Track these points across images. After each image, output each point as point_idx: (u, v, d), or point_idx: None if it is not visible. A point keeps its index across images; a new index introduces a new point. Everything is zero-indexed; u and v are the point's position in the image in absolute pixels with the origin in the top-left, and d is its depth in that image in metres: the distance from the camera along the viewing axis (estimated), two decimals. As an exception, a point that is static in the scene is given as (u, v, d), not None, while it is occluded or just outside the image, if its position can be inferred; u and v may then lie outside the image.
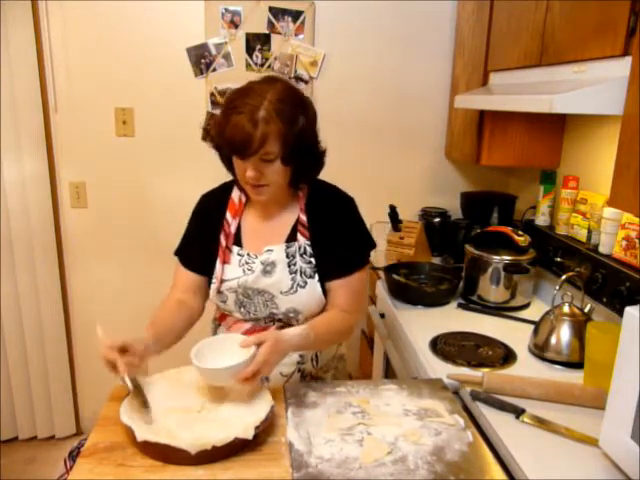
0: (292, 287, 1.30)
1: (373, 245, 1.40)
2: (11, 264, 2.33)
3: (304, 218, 1.33)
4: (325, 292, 1.32)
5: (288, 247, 1.31)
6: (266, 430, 1.05)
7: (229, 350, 1.12)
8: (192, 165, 2.37)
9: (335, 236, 1.32)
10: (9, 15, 2.10)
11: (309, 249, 1.31)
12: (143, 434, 0.97)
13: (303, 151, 1.22)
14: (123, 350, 1.08)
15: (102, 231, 2.43)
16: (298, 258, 1.31)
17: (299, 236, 1.32)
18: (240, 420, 1.02)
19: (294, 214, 1.34)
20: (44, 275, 2.37)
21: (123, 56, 2.25)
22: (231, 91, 1.25)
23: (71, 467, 1.01)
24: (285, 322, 1.34)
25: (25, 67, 2.17)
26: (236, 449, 1.00)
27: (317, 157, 1.31)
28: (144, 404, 1.07)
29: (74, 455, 1.24)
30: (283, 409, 1.15)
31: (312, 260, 1.31)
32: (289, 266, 1.30)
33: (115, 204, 2.40)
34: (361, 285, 1.38)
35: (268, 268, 1.30)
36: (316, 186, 1.37)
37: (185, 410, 1.09)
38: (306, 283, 1.30)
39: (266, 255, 1.31)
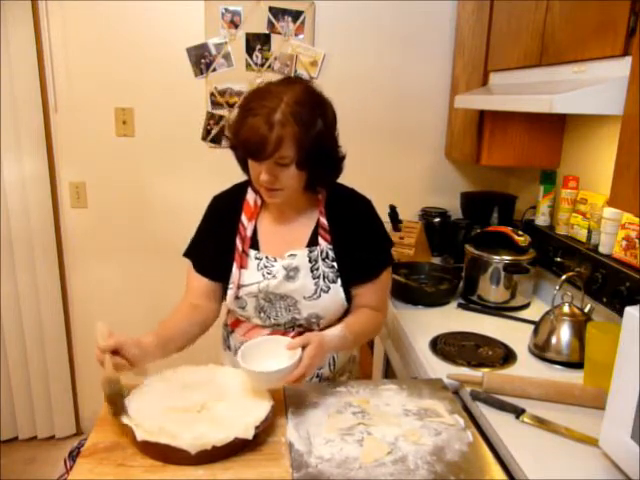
0: (315, 292, 1.28)
1: (392, 243, 1.40)
2: (11, 264, 2.33)
3: (325, 222, 1.30)
4: (348, 296, 1.31)
5: (310, 251, 1.29)
6: (266, 430, 1.05)
7: (273, 352, 1.13)
8: (192, 165, 2.37)
9: (357, 239, 1.30)
10: (9, 15, 2.10)
11: (331, 253, 1.29)
12: (143, 434, 0.97)
13: (320, 156, 1.18)
14: (116, 351, 1.07)
15: (102, 231, 2.43)
16: (320, 263, 1.28)
17: (320, 240, 1.29)
18: (240, 420, 1.02)
19: (313, 217, 1.31)
20: (44, 275, 2.37)
21: (123, 56, 2.25)
22: (248, 92, 1.22)
23: (71, 467, 1.01)
24: (305, 327, 1.32)
25: (25, 67, 2.16)
26: (236, 449, 1.00)
27: (334, 162, 1.27)
28: (118, 412, 1.03)
29: (74, 455, 1.24)
30: (283, 409, 1.15)
31: (334, 264, 1.29)
32: (312, 271, 1.28)
33: (115, 204, 2.40)
34: (387, 283, 1.39)
35: (291, 273, 1.27)
36: (334, 189, 1.33)
37: (185, 410, 1.09)
38: (329, 288, 1.28)
39: (289, 260, 1.27)
